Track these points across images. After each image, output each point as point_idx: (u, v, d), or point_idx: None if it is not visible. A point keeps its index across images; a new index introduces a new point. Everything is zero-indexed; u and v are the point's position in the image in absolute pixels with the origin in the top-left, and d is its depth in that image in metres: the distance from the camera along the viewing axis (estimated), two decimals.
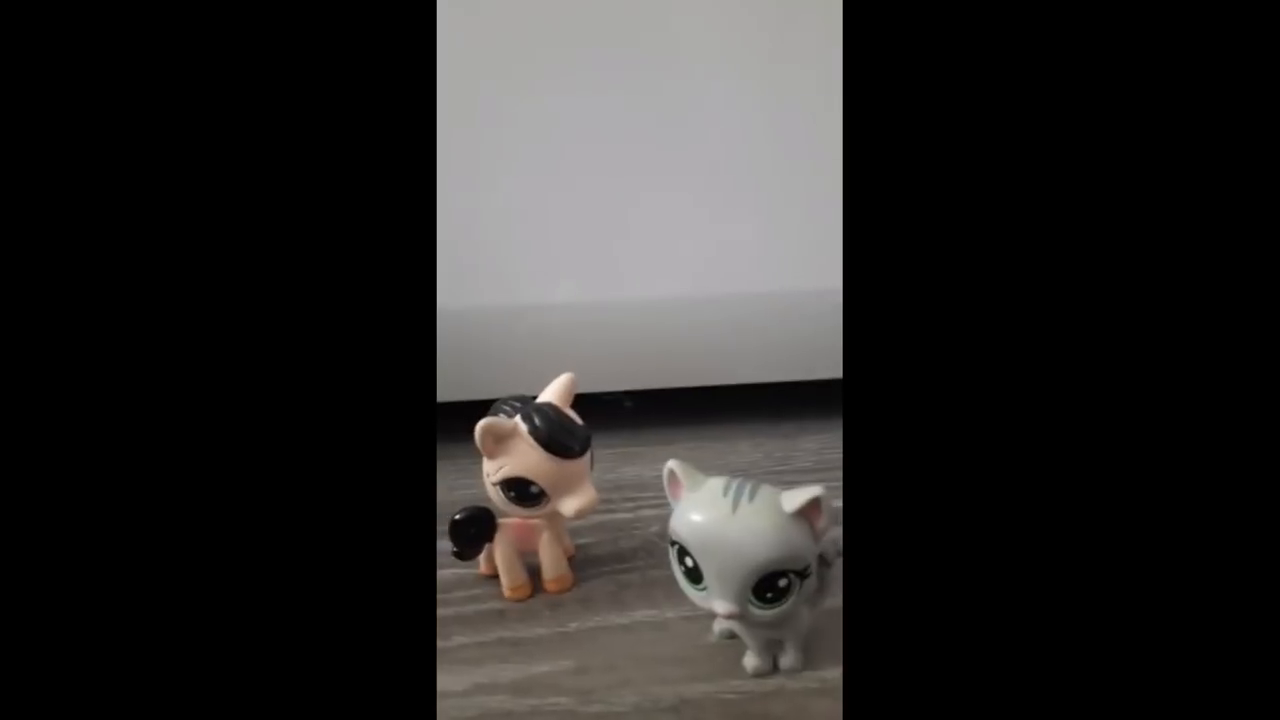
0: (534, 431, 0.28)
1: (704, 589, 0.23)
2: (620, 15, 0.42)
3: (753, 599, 0.22)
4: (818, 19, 0.43)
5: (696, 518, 0.22)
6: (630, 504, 0.39)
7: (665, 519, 0.36)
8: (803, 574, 0.22)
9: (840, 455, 0.47)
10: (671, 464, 0.24)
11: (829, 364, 0.50)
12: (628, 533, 0.36)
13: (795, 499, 0.21)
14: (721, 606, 0.23)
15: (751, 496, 0.22)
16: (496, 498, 0.29)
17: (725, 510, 0.22)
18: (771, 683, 0.25)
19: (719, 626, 0.27)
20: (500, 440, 0.28)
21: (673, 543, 0.23)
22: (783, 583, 0.22)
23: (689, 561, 0.23)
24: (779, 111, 0.45)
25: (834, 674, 0.25)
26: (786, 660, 0.25)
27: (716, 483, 0.23)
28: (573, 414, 0.29)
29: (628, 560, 0.33)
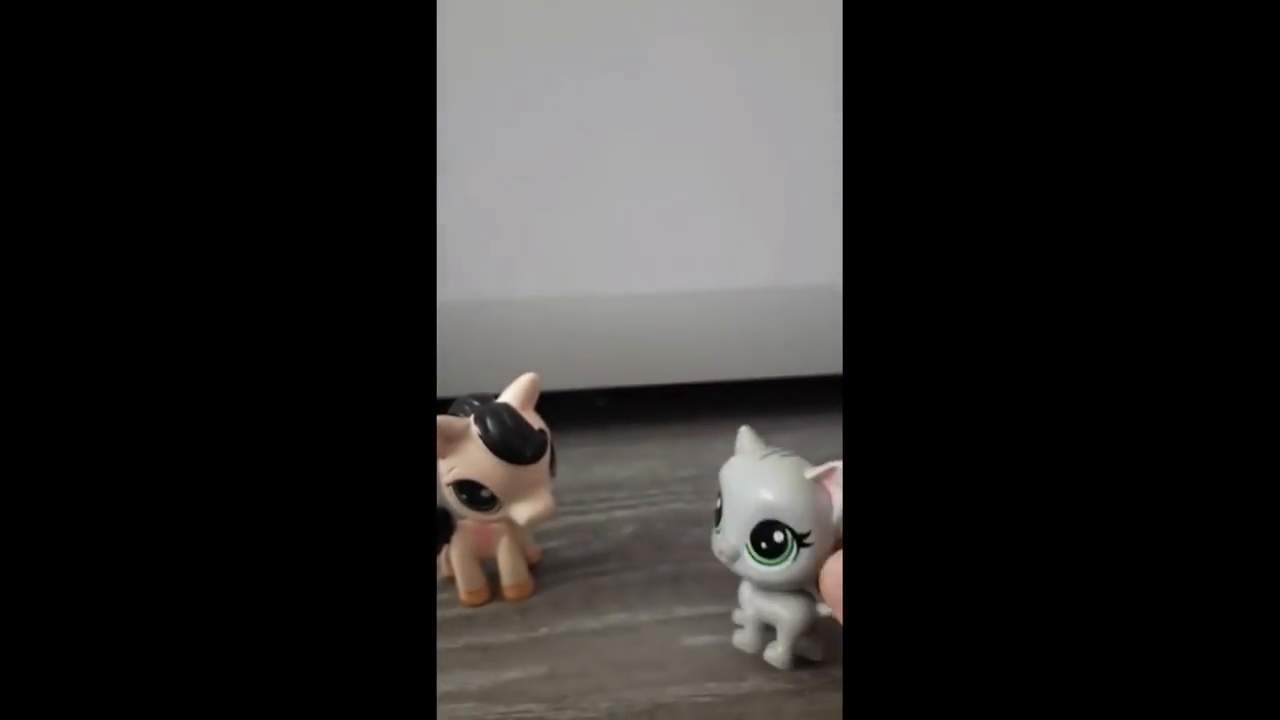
0: (484, 435, 0.27)
1: (719, 530, 0.24)
2: (593, 3, 0.42)
3: (750, 546, 0.23)
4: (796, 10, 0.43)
5: (735, 462, 0.25)
6: (603, 505, 0.38)
7: (639, 520, 0.36)
8: (801, 539, 0.23)
9: (814, 452, 0.46)
10: (742, 430, 0.26)
11: (802, 361, 0.50)
12: (600, 535, 0.35)
13: (815, 469, 0.23)
14: (722, 541, 0.24)
15: (783, 457, 0.24)
16: (451, 499, 0.28)
17: (755, 459, 0.24)
18: (746, 685, 0.25)
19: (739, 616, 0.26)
20: (450, 440, 0.27)
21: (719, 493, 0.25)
22: (778, 536, 0.23)
23: (719, 503, 0.25)
24: (755, 110, 0.45)
25: (809, 675, 0.25)
26: (771, 653, 0.25)
27: (764, 448, 0.25)
28: (533, 416, 0.29)
29: (600, 563, 0.33)
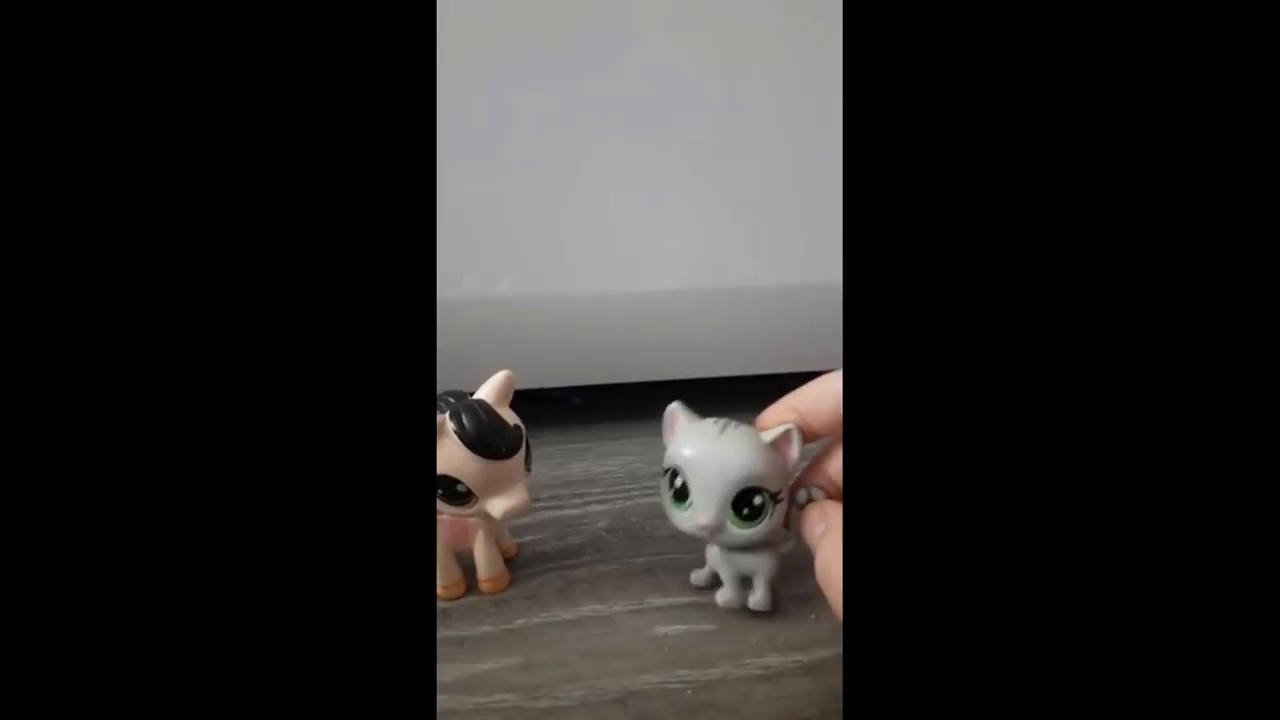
0: (459, 431, 0.27)
1: (689, 506, 0.26)
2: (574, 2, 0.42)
3: (732, 514, 0.25)
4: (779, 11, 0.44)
5: (690, 438, 0.26)
6: (579, 500, 0.39)
7: (614, 515, 0.37)
8: (775, 496, 0.25)
9: None
10: (673, 406, 0.27)
11: (776, 358, 0.51)
12: (575, 528, 0.36)
13: (771, 432, 0.26)
14: (704, 516, 0.25)
15: (737, 427, 0.26)
16: None
17: (714, 433, 0.26)
18: (716, 671, 0.25)
19: (699, 575, 0.30)
20: None
21: (665, 470, 0.27)
22: (758, 500, 0.25)
23: (678, 482, 0.26)
24: (734, 112, 0.45)
25: (777, 660, 0.26)
26: (755, 598, 0.28)
27: (708, 420, 0.27)
28: (508, 413, 0.29)
29: (575, 556, 0.33)
